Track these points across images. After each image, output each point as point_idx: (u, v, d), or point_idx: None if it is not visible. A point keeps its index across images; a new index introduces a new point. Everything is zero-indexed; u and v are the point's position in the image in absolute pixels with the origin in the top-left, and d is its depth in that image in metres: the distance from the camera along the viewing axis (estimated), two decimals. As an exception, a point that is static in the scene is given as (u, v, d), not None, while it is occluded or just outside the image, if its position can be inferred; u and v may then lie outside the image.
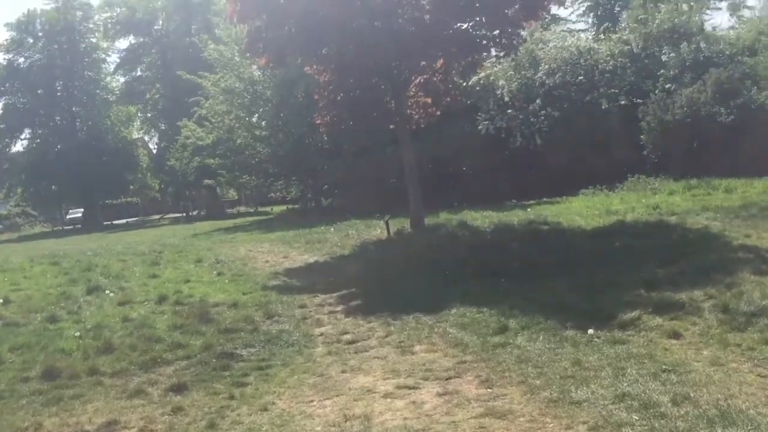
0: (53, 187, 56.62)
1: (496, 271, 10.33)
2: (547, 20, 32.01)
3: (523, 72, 29.38)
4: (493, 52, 17.70)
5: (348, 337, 8.13)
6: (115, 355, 7.82)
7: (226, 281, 12.45)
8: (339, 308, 9.66)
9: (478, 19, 15.73)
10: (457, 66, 17.04)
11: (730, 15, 49.35)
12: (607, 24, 35.13)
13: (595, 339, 6.80)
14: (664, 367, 5.82)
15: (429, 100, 17.73)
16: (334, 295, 10.50)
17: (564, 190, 23.99)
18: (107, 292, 11.82)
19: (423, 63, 16.60)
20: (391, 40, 15.71)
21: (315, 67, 17.92)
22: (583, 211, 18.00)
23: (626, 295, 8.32)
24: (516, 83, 29.05)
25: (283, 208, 42.15)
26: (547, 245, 12.17)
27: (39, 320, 9.75)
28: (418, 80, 17.53)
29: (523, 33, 17.20)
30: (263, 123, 33.50)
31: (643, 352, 6.27)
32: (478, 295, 9.17)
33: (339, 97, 17.39)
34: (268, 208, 48.76)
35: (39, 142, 57.57)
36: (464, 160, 28.44)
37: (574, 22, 51.92)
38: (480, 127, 27.85)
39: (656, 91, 24.98)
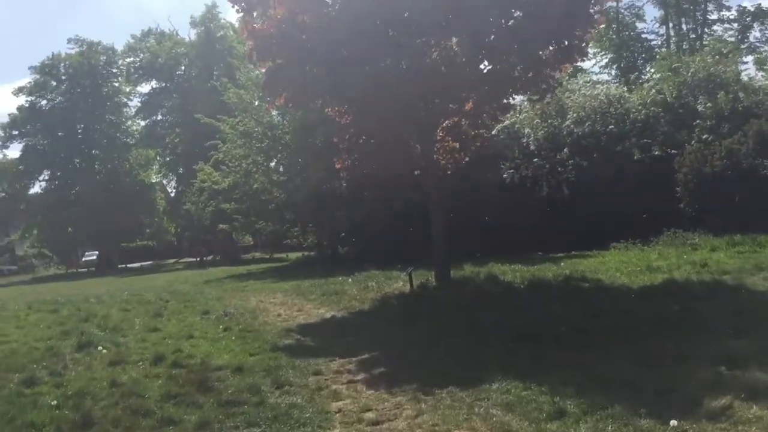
0: (69, 229, 56.17)
1: (539, 335, 9.01)
2: (569, 71, 31.29)
3: (549, 120, 28.44)
4: (525, 96, 16.58)
5: (371, 415, 6.81)
6: None
7: (233, 338, 11.18)
8: (359, 377, 8.35)
9: (512, 59, 14.71)
10: (488, 109, 15.97)
11: (757, 69, 48.46)
12: (636, 74, 34.23)
13: (682, 433, 5.46)
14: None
15: (457, 145, 16.65)
16: (354, 359, 9.21)
17: (593, 243, 22.72)
18: (100, 348, 10.61)
19: (452, 106, 15.56)
20: (418, 81, 14.76)
21: (336, 108, 16.99)
22: (620, 266, 16.72)
23: (703, 372, 6.98)
24: (542, 132, 28.09)
25: (299, 255, 41.01)
26: (593, 306, 10.83)
27: (15, 383, 8.49)
28: (445, 124, 16.50)
29: (558, 76, 16.12)
30: (281, 168, 32.72)
31: (751, 456, 4.94)
32: (522, 365, 7.85)
33: (361, 140, 16.37)
34: (283, 255, 47.62)
35: (57, 184, 57.49)
36: (487, 210, 27.23)
37: (597, 74, 51.22)
38: (505, 175, 26.80)
39: (692, 142, 23.80)
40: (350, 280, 18.92)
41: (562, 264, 18.09)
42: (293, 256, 42.61)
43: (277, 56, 14.98)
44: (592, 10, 14.04)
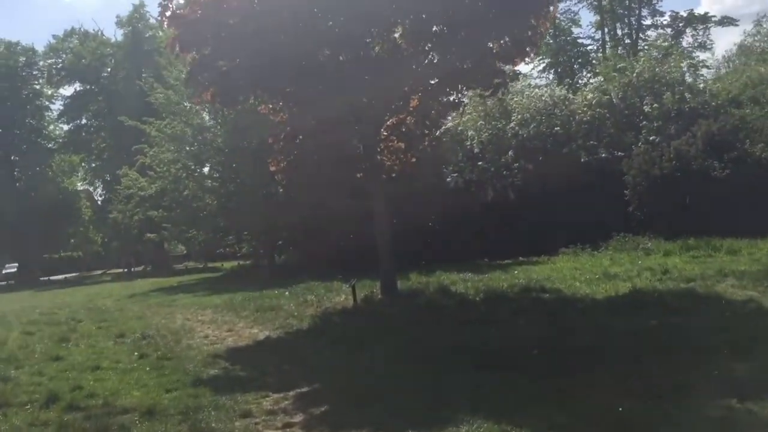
0: (-15, 239, 52.72)
1: (507, 360, 7.75)
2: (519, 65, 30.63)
3: (493, 122, 27.59)
4: (477, 90, 15.42)
5: (312, 475, 5.40)
6: None
7: (148, 369, 9.46)
8: (297, 419, 6.88)
9: (461, 51, 13.51)
10: (436, 105, 14.74)
11: (690, 75, 49.17)
12: (577, 77, 33.89)
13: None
14: None
15: (402, 146, 15.36)
16: (291, 394, 7.72)
17: (541, 248, 21.93)
18: (-17, 385, 8.83)
19: (400, 102, 14.25)
20: (360, 75, 13.41)
21: (270, 106, 15.50)
22: (575, 274, 15.80)
23: (712, 406, 5.83)
24: (486, 134, 27.23)
25: (234, 264, 39.16)
26: (561, 322, 9.65)
27: None
28: (389, 122, 15.19)
29: (510, 70, 15.05)
30: (215, 174, 30.88)
31: None
32: (492, 398, 6.56)
33: (298, 140, 14.89)
34: (218, 264, 45.63)
35: (-27, 192, 53.62)
36: (431, 215, 26.11)
37: (534, 78, 51.03)
38: (448, 179, 25.83)
39: (640, 144, 23.25)
40: (287, 293, 17.39)
41: (515, 272, 17.03)
42: (228, 265, 40.80)
43: (203, 45, 13.41)
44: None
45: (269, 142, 16.23)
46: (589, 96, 26.66)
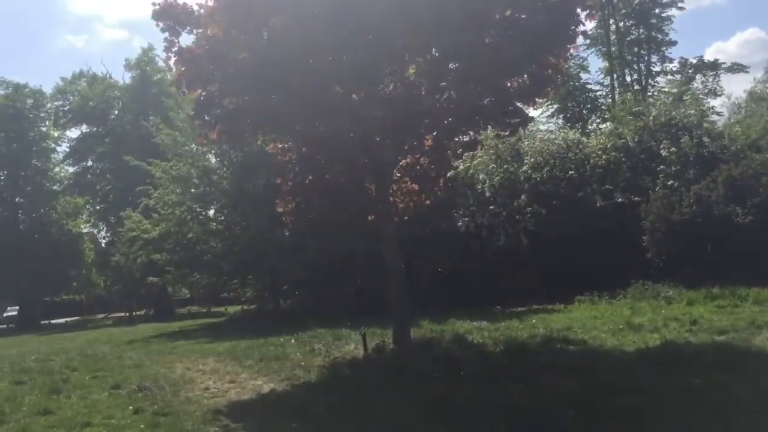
0: (-15, 282, 51.96)
1: (542, 421, 6.94)
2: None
3: (505, 166, 27.06)
4: (495, 130, 14.86)
5: None
6: None
7: (142, 426, 8.59)
8: (307, 489, 6.10)
9: (479, 89, 12.99)
10: (452, 145, 14.16)
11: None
12: (588, 122, 33.48)
13: None
14: None
15: (416, 187, 14.73)
16: (299, 459, 6.93)
17: (556, 295, 21.23)
18: (-40, 444, 8.04)
19: (414, 142, 13.67)
20: (373, 113, 12.86)
21: (279, 145, 14.96)
22: (596, 324, 15.03)
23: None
24: (498, 177, 26.67)
25: (239, 308, 38.38)
26: (594, 379, 8.80)
27: None
28: (403, 162, 14.60)
29: (530, 112, 14.53)
30: (221, 217, 30.31)
31: None
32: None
33: (307, 181, 14.28)
34: (222, 309, 44.84)
35: (-25, 234, 53.03)
36: (441, 260, 25.39)
37: (543, 123, 50.76)
38: (459, 223, 25.21)
39: (657, 188, 22.62)
40: (293, 341, 16.56)
41: (532, 321, 16.23)
42: (232, 309, 39.99)
43: (210, 82, 12.90)
44: (571, 32, 12.41)
45: (277, 183, 15.66)
46: (603, 140, 26.14)
